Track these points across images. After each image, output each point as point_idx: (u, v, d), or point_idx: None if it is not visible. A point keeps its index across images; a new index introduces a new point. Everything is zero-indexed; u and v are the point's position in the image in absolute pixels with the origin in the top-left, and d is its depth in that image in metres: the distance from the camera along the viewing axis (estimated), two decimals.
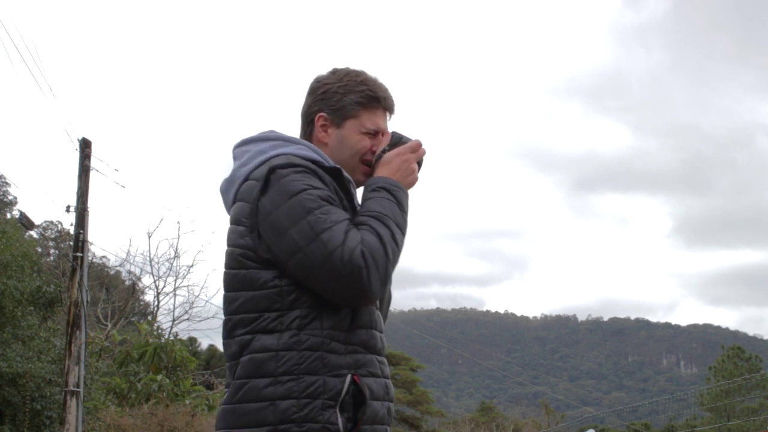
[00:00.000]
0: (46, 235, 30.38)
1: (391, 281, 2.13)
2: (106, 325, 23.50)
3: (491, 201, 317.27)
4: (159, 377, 14.31)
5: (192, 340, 29.19)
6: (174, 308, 25.45)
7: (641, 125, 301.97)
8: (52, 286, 14.55)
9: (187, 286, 30.31)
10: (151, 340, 15.39)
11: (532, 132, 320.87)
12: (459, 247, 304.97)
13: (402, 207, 2.06)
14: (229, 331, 2.01)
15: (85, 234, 13.21)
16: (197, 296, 25.82)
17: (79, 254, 13.14)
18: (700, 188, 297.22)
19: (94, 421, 13.40)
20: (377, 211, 2.00)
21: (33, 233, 23.68)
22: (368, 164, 2.18)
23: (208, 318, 24.79)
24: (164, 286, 25.33)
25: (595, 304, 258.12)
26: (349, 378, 1.91)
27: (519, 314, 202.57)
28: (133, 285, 26.89)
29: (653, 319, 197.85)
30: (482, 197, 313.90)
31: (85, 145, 13.46)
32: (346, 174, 2.07)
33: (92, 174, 13.48)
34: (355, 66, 2.24)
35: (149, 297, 28.18)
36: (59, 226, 29.00)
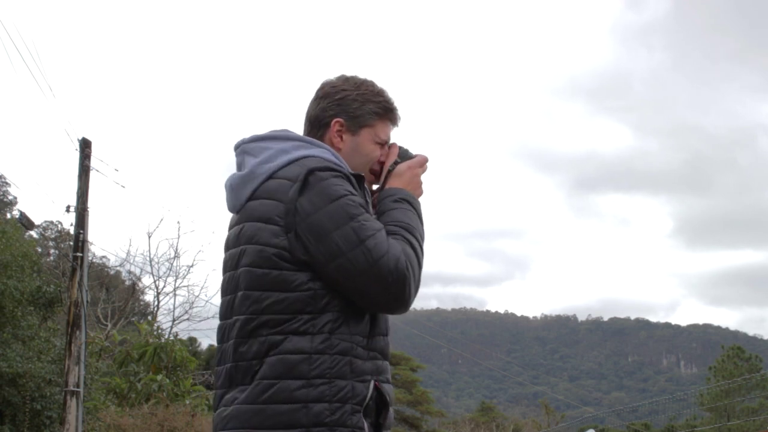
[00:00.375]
0: (46, 235, 30.38)
1: None
2: (106, 325, 23.50)
3: (492, 201, 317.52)
4: (159, 377, 14.30)
5: (192, 340, 29.17)
6: (174, 308, 25.48)
7: (642, 125, 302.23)
8: (52, 286, 14.55)
9: (187, 286, 30.38)
10: (151, 340, 15.38)
11: (533, 132, 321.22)
12: (460, 247, 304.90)
13: (421, 219, 2.14)
14: (250, 331, 1.96)
15: (85, 234, 13.21)
16: (197, 296, 25.84)
17: (79, 254, 13.14)
18: (701, 188, 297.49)
19: (94, 421, 13.40)
20: (407, 222, 2.06)
21: (33, 233, 23.70)
22: (374, 174, 2.22)
23: (208, 318, 24.75)
24: (164, 286, 25.36)
25: (596, 304, 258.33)
26: (372, 384, 1.96)
27: (519, 314, 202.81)
28: (133, 285, 26.90)
29: (654, 319, 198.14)
30: (483, 197, 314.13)
31: (85, 145, 13.47)
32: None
33: (92, 174, 13.49)
34: (355, 71, 2.26)
35: (149, 297, 28.23)
36: (59, 226, 29.01)
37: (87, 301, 13.48)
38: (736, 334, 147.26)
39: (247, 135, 2.19)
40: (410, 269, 1.95)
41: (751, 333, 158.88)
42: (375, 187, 2.26)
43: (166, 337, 16.99)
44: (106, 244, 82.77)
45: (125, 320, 25.20)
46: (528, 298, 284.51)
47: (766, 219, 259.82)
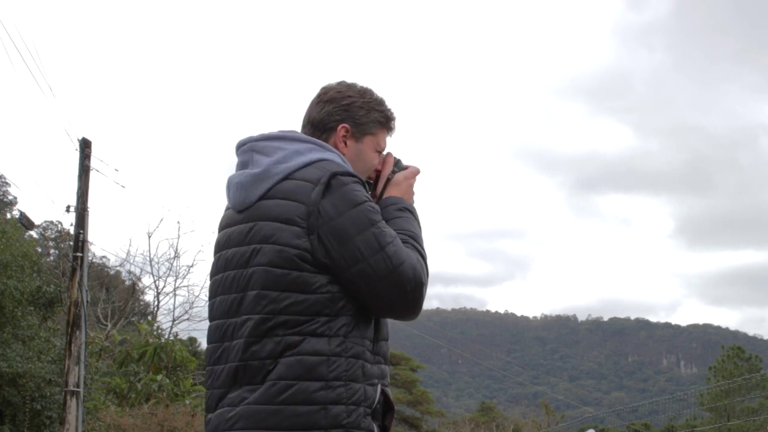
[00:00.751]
0: (46, 235, 30.39)
1: None
2: (106, 325, 23.51)
3: (493, 201, 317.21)
4: (159, 377, 14.29)
5: (192, 340, 29.15)
6: (174, 308, 25.57)
7: (643, 125, 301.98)
8: (52, 286, 14.57)
9: (187, 286, 30.55)
10: (151, 340, 15.37)
11: (534, 132, 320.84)
12: (461, 248, 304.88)
13: (420, 227, 2.20)
14: (266, 330, 1.96)
15: (85, 234, 13.22)
16: (197, 296, 25.84)
17: (79, 254, 13.15)
18: (703, 188, 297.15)
19: (94, 421, 13.40)
20: (413, 231, 2.13)
21: (33, 233, 23.70)
22: (369, 181, 2.28)
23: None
24: (164, 286, 25.40)
25: (597, 304, 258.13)
26: (379, 388, 2.02)
27: (519, 314, 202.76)
28: (133, 285, 26.92)
29: (654, 319, 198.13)
30: (484, 197, 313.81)
31: (85, 145, 13.47)
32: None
33: (92, 174, 13.50)
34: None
35: (149, 297, 28.26)
36: (59, 226, 29.03)
37: (87, 301, 13.49)
38: (736, 334, 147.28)
39: (250, 134, 2.19)
40: (425, 277, 2.03)
41: (751, 333, 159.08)
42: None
43: (166, 337, 17.00)
44: (106, 244, 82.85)
45: (125, 320, 25.21)
46: (528, 298, 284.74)
47: (766, 219, 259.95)
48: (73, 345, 12.55)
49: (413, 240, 2.09)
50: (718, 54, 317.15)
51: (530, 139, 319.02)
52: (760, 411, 29.05)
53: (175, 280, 25.28)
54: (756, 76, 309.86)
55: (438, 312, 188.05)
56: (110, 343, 19.04)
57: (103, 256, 30.36)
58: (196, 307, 25.04)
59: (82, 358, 12.71)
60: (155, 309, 25.94)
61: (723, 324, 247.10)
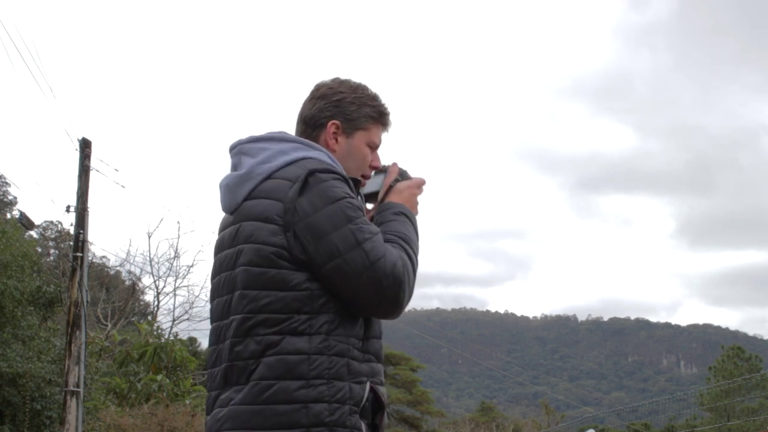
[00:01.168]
0: (46, 235, 30.39)
1: None
2: (106, 325, 23.50)
3: (495, 201, 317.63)
4: (159, 377, 14.29)
5: (192, 340, 29.15)
6: (174, 308, 25.54)
7: (645, 126, 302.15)
8: (52, 286, 14.57)
9: (187, 286, 30.55)
10: (151, 340, 15.37)
11: (535, 132, 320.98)
12: (462, 248, 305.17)
13: (417, 234, 2.16)
14: (247, 330, 1.95)
15: (85, 234, 13.22)
16: (197, 296, 25.88)
17: (79, 254, 13.15)
18: (704, 189, 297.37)
19: (94, 421, 13.40)
20: (404, 233, 2.09)
21: (33, 233, 23.71)
22: (365, 178, 2.26)
23: (208, 318, 24.76)
24: (164, 286, 25.39)
25: (597, 304, 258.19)
26: (368, 386, 1.98)
27: (519, 314, 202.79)
28: (133, 285, 26.90)
29: (654, 319, 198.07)
30: (486, 198, 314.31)
31: (85, 145, 13.47)
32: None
33: (92, 174, 13.50)
34: (357, 72, 2.29)
35: (149, 297, 28.25)
36: (59, 226, 29.04)
37: (87, 301, 13.48)
38: (736, 334, 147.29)
39: (243, 136, 2.19)
40: (406, 275, 1.97)
41: (751, 333, 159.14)
42: (365, 190, 2.28)
43: (166, 337, 16.99)
44: (106, 244, 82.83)
45: (125, 320, 25.20)
46: (528, 298, 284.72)
47: (767, 219, 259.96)
48: (73, 345, 12.55)
49: (402, 241, 2.05)
50: (719, 54, 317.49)
51: (531, 139, 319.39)
52: (760, 411, 29.05)
53: (175, 280, 25.31)
54: (757, 76, 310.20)
55: (438, 312, 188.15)
56: (110, 343, 19.04)
57: (103, 256, 30.40)
58: (196, 307, 25.06)
59: (82, 358, 12.70)
60: (155, 309, 25.95)
61: (723, 324, 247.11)
